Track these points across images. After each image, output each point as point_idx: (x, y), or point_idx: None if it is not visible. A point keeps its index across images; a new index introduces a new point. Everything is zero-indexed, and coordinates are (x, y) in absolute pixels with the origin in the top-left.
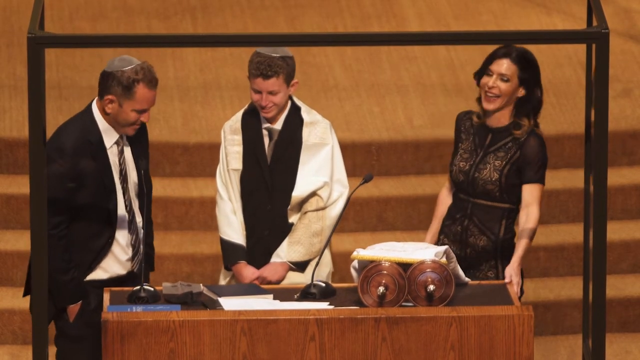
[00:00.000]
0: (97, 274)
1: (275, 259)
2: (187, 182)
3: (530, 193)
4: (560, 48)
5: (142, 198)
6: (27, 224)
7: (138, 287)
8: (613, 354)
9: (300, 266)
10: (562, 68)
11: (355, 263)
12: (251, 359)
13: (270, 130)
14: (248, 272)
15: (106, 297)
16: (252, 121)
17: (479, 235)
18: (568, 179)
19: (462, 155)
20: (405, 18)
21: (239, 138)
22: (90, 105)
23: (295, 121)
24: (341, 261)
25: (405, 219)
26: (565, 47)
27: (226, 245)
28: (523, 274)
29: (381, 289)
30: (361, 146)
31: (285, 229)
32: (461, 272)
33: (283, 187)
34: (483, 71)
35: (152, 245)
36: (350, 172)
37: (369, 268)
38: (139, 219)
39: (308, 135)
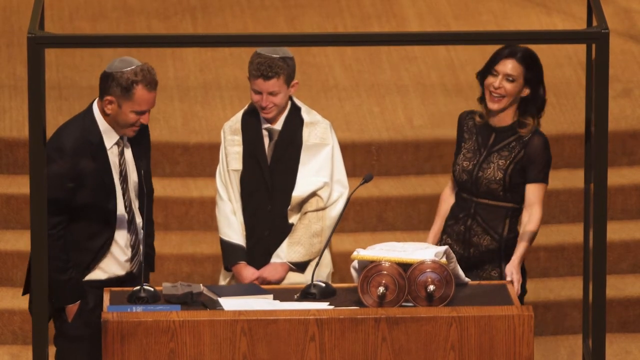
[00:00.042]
0: (96, 274)
1: (275, 259)
2: (187, 182)
3: (533, 192)
4: (560, 48)
5: (142, 199)
6: (27, 224)
7: (138, 287)
8: (613, 354)
9: (300, 267)
10: (562, 68)
11: (355, 263)
12: (251, 359)
13: (270, 131)
14: (248, 272)
15: (106, 297)
16: (252, 121)
17: (483, 234)
18: (568, 179)
19: (465, 155)
20: (405, 18)
21: (238, 138)
22: (91, 106)
23: (295, 121)
24: (341, 261)
25: (405, 219)
26: (565, 47)
27: (226, 245)
28: (526, 274)
29: (381, 289)
30: (361, 146)
31: (285, 230)
32: (461, 272)
33: (283, 188)
34: (487, 71)
35: (152, 246)
36: (350, 172)
37: (369, 268)
38: (139, 220)
39: (308, 135)
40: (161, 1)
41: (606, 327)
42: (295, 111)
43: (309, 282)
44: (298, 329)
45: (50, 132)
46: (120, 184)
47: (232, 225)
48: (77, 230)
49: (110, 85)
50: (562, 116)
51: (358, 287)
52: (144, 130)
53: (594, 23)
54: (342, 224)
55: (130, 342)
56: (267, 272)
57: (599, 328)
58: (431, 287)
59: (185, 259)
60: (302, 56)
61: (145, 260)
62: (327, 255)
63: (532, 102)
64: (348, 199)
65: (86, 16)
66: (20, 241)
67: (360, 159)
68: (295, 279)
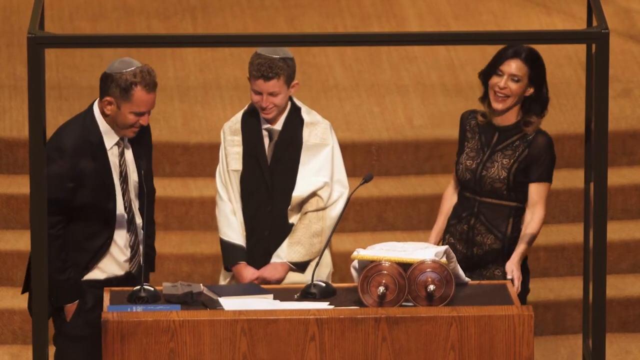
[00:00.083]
0: (95, 274)
1: (275, 259)
2: (187, 182)
3: (537, 192)
4: (560, 48)
5: (142, 199)
6: (27, 224)
7: (138, 287)
8: (613, 354)
9: (301, 267)
10: (562, 68)
11: (355, 263)
12: (251, 359)
13: (270, 131)
14: (248, 272)
15: (106, 297)
16: (252, 122)
17: (486, 233)
18: (568, 179)
19: (468, 154)
20: (405, 18)
21: (238, 139)
22: (91, 106)
23: (295, 122)
24: (341, 261)
25: (405, 219)
26: (565, 47)
27: (226, 246)
28: (529, 273)
29: (381, 288)
30: (361, 146)
31: (286, 230)
32: (461, 272)
33: (283, 188)
34: (491, 71)
35: (153, 246)
36: (350, 172)
37: (369, 268)
38: (138, 221)
39: (308, 135)
40: (161, 1)
41: (606, 327)
42: (296, 111)
43: (309, 282)
44: (298, 328)
45: (50, 132)
46: (120, 184)
47: (232, 226)
48: (76, 230)
49: (110, 86)
50: (562, 116)
51: (358, 287)
52: (145, 130)
53: (594, 23)
54: (342, 224)
55: (130, 342)
56: (267, 272)
57: (599, 328)
58: (431, 287)
59: (185, 259)
60: (302, 56)
61: (146, 260)
62: (327, 255)
63: (535, 101)
64: (348, 199)
65: (86, 16)
66: (20, 241)
67: (360, 159)
68: (295, 279)
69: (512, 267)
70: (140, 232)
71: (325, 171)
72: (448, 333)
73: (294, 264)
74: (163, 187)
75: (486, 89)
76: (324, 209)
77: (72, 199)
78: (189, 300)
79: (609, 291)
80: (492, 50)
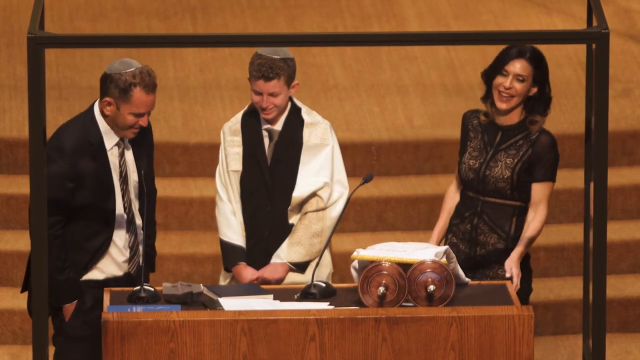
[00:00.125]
0: (93, 274)
1: (275, 259)
2: (187, 182)
3: (540, 191)
4: (560, 48)
5: (142, 199)
6: (27, 224)
7: (138, 287)
8: (613, 354)
9: (301, 267)
10: (562, 68)
11: (355, 263)
12: (251, 359)
13: (270, 131)
14: (248, 273)
15: (106, 297)
16: (251, 122)
17: (490, 233)
18: (568, 179)
19: (471, 154)
20: (405, 18)
21: (238, 139)
22: (92, 106)
23: (295, 122)
24: (341, 261)
25: (405, 219)
26: (565, 47)
27: (226, 246)
28: (532, 273)
29: (381, 289)
30: (361, 146)
31: (286, 230)
32: (461, 272)
33: (283, 188)
34: (495, 71)
35: (153, 246)
36: (350, 172)
37: (369, 268)
38: (138, 221)
39: (309, 136)
40: (161, 1)
41: (606, 327)
42: (296, 112)
43: (309, 282)
44: (298, 329)
45: (50, 132)
46: (120, 185)
47: (231, 226)
48: (75, 230)
49: (109, 86)
50: (562, 116)
51: (358, 287)
52: (146, 131)
53: (594, 23)
54: (342, 224)
55: (130, 342)
56: (267, 272)
57: (599, 328)
58: (431, 287)
59: (185, 259)
60: (302, 56)
61: (146, 260)
62: (327, 255)
63: (539, 101)
64: (348, 199)
65: (86, 16)
66: (20, 241)
67: (360, 159)
68: (296, 279)
69: (511, 264)
70: (140, 233)
71: (325, 171)
72: (448, 333)
73: (294, 264)
74: (163, 187)
75: (488, 88)
76: (324, 209)
77: (71, 199)
78: (189, 301)
79: (609, 291)
80: (492, 50)
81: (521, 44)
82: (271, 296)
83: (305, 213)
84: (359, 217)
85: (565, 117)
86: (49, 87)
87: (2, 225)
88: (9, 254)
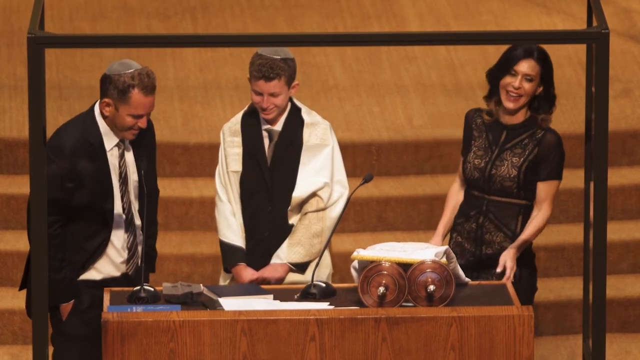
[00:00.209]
0: (91, 274)
1: (275, 260)
2: (187, 182)
3: (544, 190)
4: (560, 48)
5: (142, 200)
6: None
7: (138, 287)
8: (613, 354)
9: (301, 267)
10: (562, 68)
11: (355, 263)
12: (251, 359)
13: (270, 132)
14: (247, 273)
15: (106, 297)
16: (251, 123)
17: (496, 231)
18: (568, 179)
19: (475, 153)
20: (405, 18)
21: (238, 140)
22: (92, 107)
23: (295, 122)
24: (341, 261)
25: (405, 219)
26: (565, 47)
27: (225, 247)
28: (536, 271)
29: (381, 289)
30: (361, 146)
31: (286, 230)
32: (461, 272)
33: (283, 188)
34: (502, 71)
35: (154, 247)
36: (350, 172)
37: (369, 268)
38: (138, 222)
39: (309, 136)
40: (161, 1)
41: (606, 327)
42: (296, 112)
43: (309, 282)
44: (298, 329)
45: (50, 132)
46: (120, 185)
47: (231, 227)
48: (74, 230)
49: (108, 87)
50: (562, 116)
51: (358, 287)
52: (148, 131)
53: (594, 23)
54: (342, 224)
55: (130, 342)
56: (267, 272)
57: (599, 328)
58: (431, 287)
59: (185, 259)
60: (302, 56)
61: (146, 260)
62: (327, 256)
63: (544, 99)
64: (348, 200)
65: (86, 16)
66: (20, 241)
67: (360, 159)
68: (295, 279)
69: (505, 257)
70: (139, 234)
71: (325, 172)
72: (448, 333)
73: (294, 264)
74: (163, 187)
75: (492, 87)
76: (324, 209)
77: (70, 199)
78: (189, 301)
79: (609, 291)
80: (492, 50)
81: (526, 44)
82: (271, 296)
83: (305, 213)
84: (359, 217)
85: (565, 117)
86: (49, 87)
87: (2, 225)
88: (9, 254)
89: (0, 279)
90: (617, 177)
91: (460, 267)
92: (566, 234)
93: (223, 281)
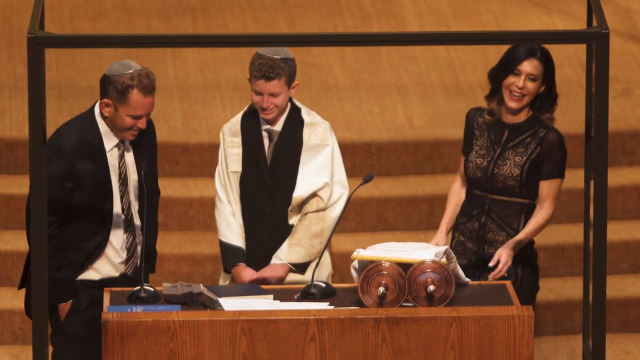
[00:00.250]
0: (89, 274)
1: (275, 260)
2: (187, 182)
3: (547, 188)
4: (560, 48)
5: (142, 200)
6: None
7: (138, 287)
8: (613, 354)
9: (301, 268)
10: (562, 68)
11: (355, 263)
12: (251, 359)
13: (270, 132)
14: (247, 274)
15: (106, 297)
16: (251, 123)
17: (498, 230)
18: (568, 179)
19: (477, 152)
20: (405, 18)
21: (238, 140)
22: (93, 107)
23: (295, 122)
24: (341, 261)
25: (405, 219)
26: (565, 47)
27: (225, 247)
28: (539, 270)
29: (381, 289)
30: (361, 146)
31: (286, 231)
32: (461, 272)
33: (283, 189)
34: (505, 71)
35: (154, 247)
36: (350, 172)
37: (369, 268)
38: (137, 223)
39: (309, 136)
40: (161, 1)
41: (606, 327)
42: (295, 112)
43: (309, 282)
44: (298, 329)
45: (50, 132)
46: (119, 186)
47: (231, 227)
48: (73, 230)
49: (108, 88)
50: (562, 116)
51: (358, 287)
52: (149, 132)
53: (594, 23)
54: (342, 224)
55: (130, 342)
56: (267, 273)
57: (599, 328)
58: (431, 287)
59: (185, 259)
60: (302, 56)
61: (146, 261)
62: (327, 256)
63: (546, 99)
64: (348, 200)
65: (86, 16)
66: (20, 241)
67: (360, 159)
68: (295, 279)
69: (501, 252)
70: (139, 234)
71: (325, 172)
72: (448, 333)
73: (294, 265)
74: (163, 187)
75: (494, 87)
76: (324, 209)
77: (69, 199)
78: (189, 301)
79: (609, 291)
80: (492, 50)
81: (528, 44)
82: (271, 296)
83: (305, 214)
84: (359, 217)
85: (565, 117)
86: (49, 87)
87: (2, 225)
88: (9, 254)
89: (0, 279)
90: (617, 177)
91: (463, 266)
92: (566, 234)
93: (223, 282)
